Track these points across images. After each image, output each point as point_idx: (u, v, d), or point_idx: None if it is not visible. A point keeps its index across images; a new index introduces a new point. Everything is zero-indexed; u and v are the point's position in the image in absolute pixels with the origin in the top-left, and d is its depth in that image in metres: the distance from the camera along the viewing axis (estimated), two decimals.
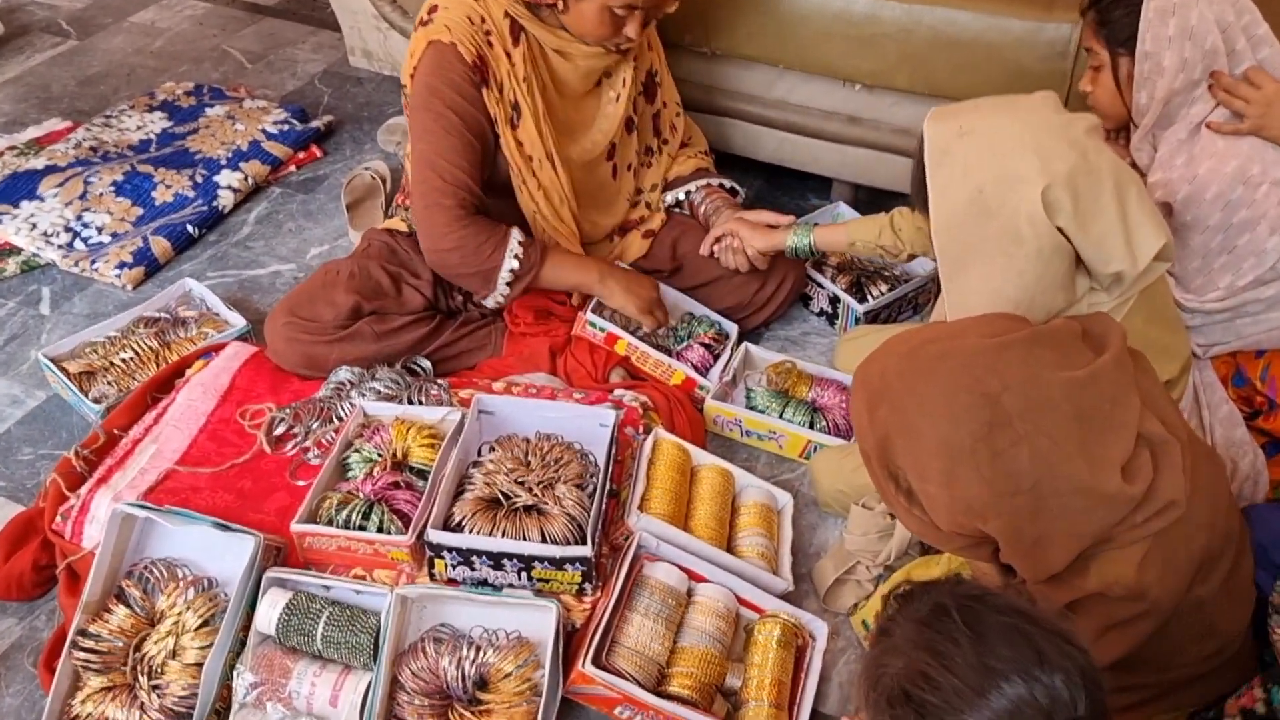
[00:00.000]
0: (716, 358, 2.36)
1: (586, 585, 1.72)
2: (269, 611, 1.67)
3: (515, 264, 2.12)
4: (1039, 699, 0.99)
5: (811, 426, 2.18)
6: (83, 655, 1.66)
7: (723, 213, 2.39)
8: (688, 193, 2.48)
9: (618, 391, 2.17)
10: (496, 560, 1.68)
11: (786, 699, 1.69)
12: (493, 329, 2.35)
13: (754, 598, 1.80)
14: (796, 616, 1.78)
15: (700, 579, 1.79)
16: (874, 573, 1.97)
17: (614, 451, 1.88)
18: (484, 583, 1.73)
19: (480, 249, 2.10)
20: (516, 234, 2.14)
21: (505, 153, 2.12)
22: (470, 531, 1.71)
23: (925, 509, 1.32)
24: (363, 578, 1.79)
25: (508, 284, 2.15)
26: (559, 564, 1.67)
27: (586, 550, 1.67)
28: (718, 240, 2.37)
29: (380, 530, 1.75)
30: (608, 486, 1.81)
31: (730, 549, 1.89)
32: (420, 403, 2.05)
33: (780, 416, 2.20)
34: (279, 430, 2.03)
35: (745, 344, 2.37)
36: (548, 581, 1.71)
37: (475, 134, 2.06)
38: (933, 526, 1.33)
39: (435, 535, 1.68)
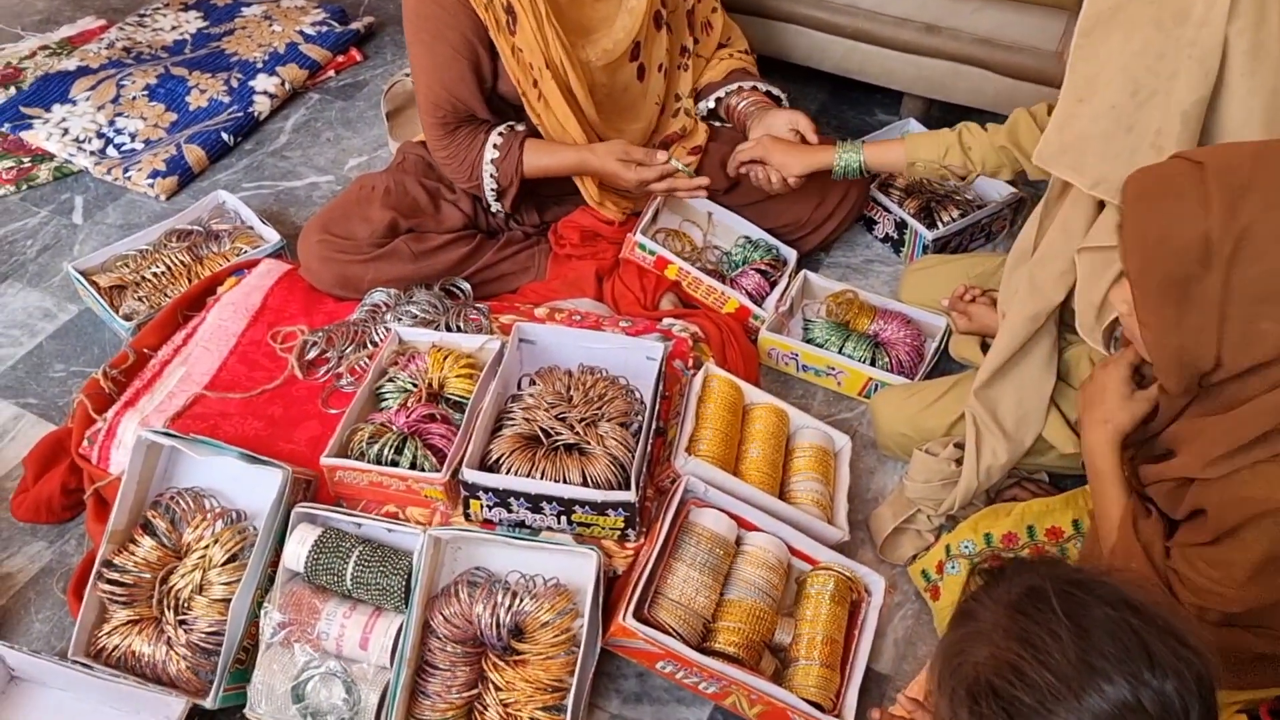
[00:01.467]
0: (773, 285, 2.22)
1: (629, 531, 1.62)
2: (297, 548, 1.59)
3: (494, 153, 2.00)
4: (1146, 705, 0.87)
5: (873, 363, 2.05)
6: (108, 587, 1.61)
7: (762, 121, 2.18)
8: (718, 99, 2.28)
9: (666, 321, 2.04)
10: (535, 503, 1.58)
11: (839, 658, 1.59)
12: (536, 251, 2.22)
13: (807, 548, 1.69)
14: (851, 569, 1.67)
15: (750, 527, 1.69)
16: (935, 523, 1.85)
17: (661, 387, 1.76)
18: (521, 525, 1.64)
19: (462, 151, 2.02)
20: (498, 128, 2.03)
21: (503, 62, 1.96)
22: (507, 471, 1.61)
23: None
24: (395, 515, 1.70)
25: (493, 177, 2.02)
26: (600, 509, 1.57)
27: (630, 495, 1.56)
28: (744, 166, 2.15)
29: (414, 467, 1.66)
30: (654, 425, 1.69)
31: (783, 495, 1.78)
32: (459, 328, 1.94)
33: (839, 351, 2.07)
34: (311, 354, 1.94)
35: (804, 271, 2.22)
36: (588, 526, 1.61)
37: (457, 46, 1.90)
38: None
39: (471, 475, 1.58)
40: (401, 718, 1.51)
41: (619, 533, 1.62)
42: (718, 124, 2.32)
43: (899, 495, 1.88)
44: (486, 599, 1.53)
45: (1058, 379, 1.77)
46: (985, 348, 1.94)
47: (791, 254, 2.26)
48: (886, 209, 2.34)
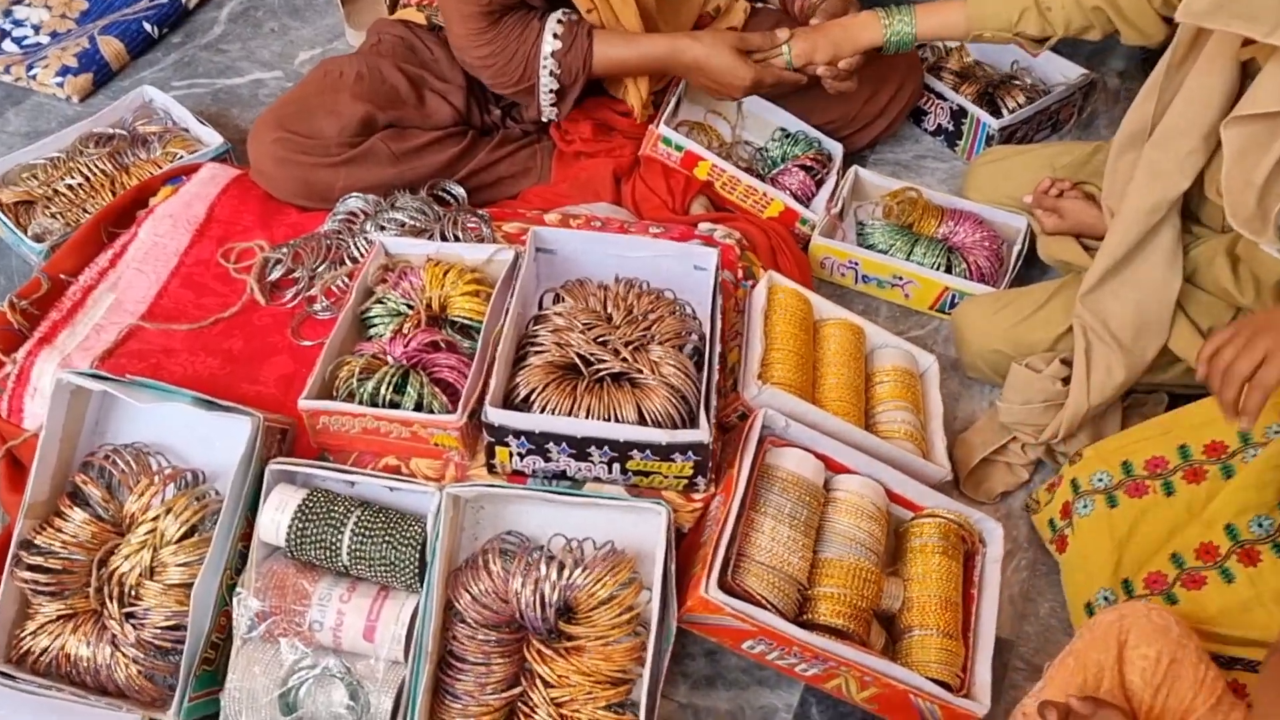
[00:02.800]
0: (819, 185, 1.89)
1: (699, 480, 1.29)
2: (276, 516, 1.24)
3: (556, 44, 1.64)
4: None
5: (949, 270, 1.73)
6: (30, 575, 1.24)
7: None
8: None
9: (704, 226, 1.70)
10: (580, 448, 1.25)
11: (959, 624, 1.29)
12: (538, 149, 1.86)
13: (908, 491, 1.38)
14: (962, 514, 1.37)
15: (840, 469, 1.37)
16: (1031, 455, 1.56)
17: (718, 302, 1.42)
18: (561, 476, 1.31)
19: (511, 44, 1.64)
20: (556, 14, 1.65)
21: None
22: (542, 409, 1.27)
23: None
24: (397, 470, 1.36)
25: (554, 75, 1.65)
26: (666, 452, 1.24)
27: (703, 434, 1.23)
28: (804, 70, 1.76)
29: (419, 408, 1.31)
30: (717, 347, 1.36)
31: (867, 427, 1.46)
32: (456, 238, 1.58)
33: (907, 258, 1.74)
34: (275, 275, 1.56)
35: (855, 168, 1.89)
36: (647, 476, 1.28)
37: None
38: None
39: (498, 415, 1.24)
40: None
41: (685, 482, 1.29)
42: (761, 4, 1.96)
43: (989, 421, 1.59)
44: (526, 571, 1.19)
45: (1184, 280, 1.47)
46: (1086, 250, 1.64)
47: (837, 148, 1.93)
48: (940, 96, 2.02)
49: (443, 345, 1.39)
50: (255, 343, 1.48)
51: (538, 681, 1.19)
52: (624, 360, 1.32)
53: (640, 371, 1.31)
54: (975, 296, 1.66)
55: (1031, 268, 1.78)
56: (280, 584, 1.23)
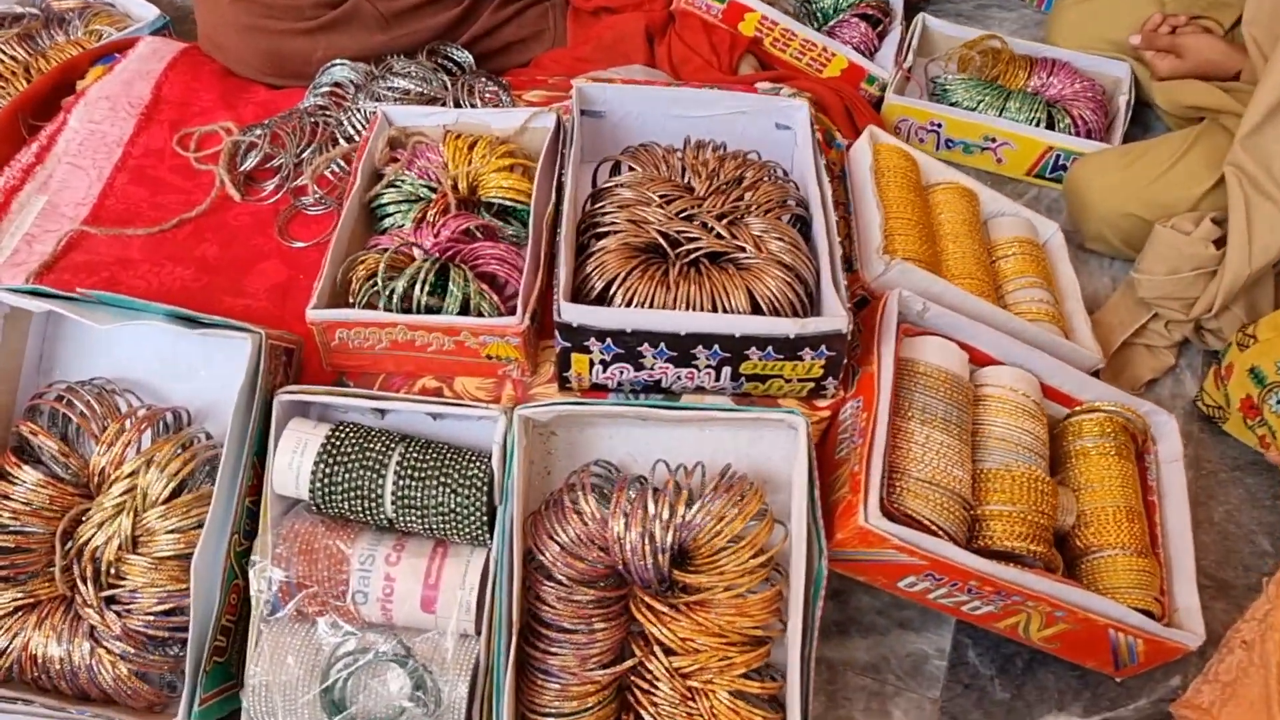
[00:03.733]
0: (881, 38, 1.60)
1: (828, 382, 1.02)
2: (294, 460, 0.95)
3: None
4: None
5: (1050, 126, 1.47)
6: None
7: None
8: None
9: (763, 87, 1.41)
10: (683, 349, 0.97)
11: (1147, 539, 1.06)
12: (549, 7, 1.55)
13: (1064, 383, 1.13)
14: (1128, 407, 1.13)
15: (984, 359, 1.12)
16: (1177, 334, 1.32)
17: (821, 158, 1.15)
18: (655, 388, 1.03)
19: None
20: None
21: None
22: (627, 302, 0.99)
23: None
24: (438, 393, 1.07)
25: None
26: (793, 348, 0.97)
27: (840, 321, 0.97)
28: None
29: (465, 310, 1.02)
30: (830, 214, 1.09)
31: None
32: (474, 106, 1.27)
33: (1000, 115, 1.48)
34: (249, 163, 1.25)
35: (922, 15, 1.61)
36: (764, 381, 1.01)
37: None
38: None
39: (576, 312, 0.96)
40: (514, 716, 0.92)
41: (811, 386, 1.03)
42: None
43: (1124, 298, 1.35)
44: (631, 509, 0.92)
45: None
46: None
47: None
48: None
49: (479, 233, 1.10)
50: (234, 247, 1.17)
51: (654, 648, 0.93)
52: (718, 237, 1.04)
53: (742, 249, 1.04)
54: (1093, 155, 1.41)
55: (1145, 120, 1.53)
56: (308, 547, 0.95)
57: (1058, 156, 1.46)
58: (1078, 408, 1.13)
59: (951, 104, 1.51)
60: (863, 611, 1.11)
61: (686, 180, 1.11)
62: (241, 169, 1.24)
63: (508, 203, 1.13)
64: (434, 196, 1.13)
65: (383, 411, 1.02)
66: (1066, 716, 1.05)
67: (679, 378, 1.01)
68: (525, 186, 1.13)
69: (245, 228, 1.19)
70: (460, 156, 1.15)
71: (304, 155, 1.24)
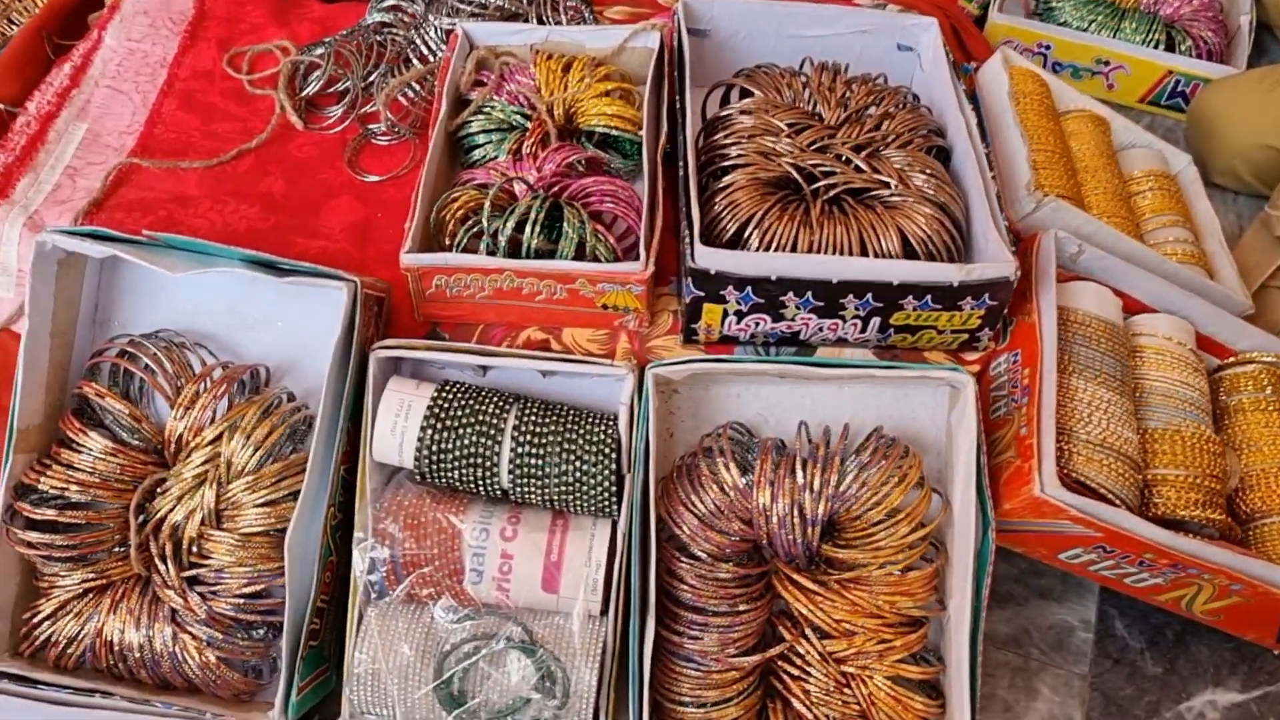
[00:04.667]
0: None
1: (983, 333, 0.92)
2: (397, 424, 0.85)
3: None
4: None
5: (1169, 48, 1.35)
6: (35, 535, 0.84)
7: None
8: None
9: (865, 3, 1.28)
10: (832, 298, 0.87)
11: None
12: None
13: (1220, 331, 1.04)
14: None
15: (1137, 306, 1.02)
16: None
17: (959, 83, 1.03)
18: (791, 340, 0.93)
19: None
20: None
21: None
22: (765, 245, 0.88)
23: None
24: (544, 345, 0.96)
25: None
26: (954, 297, 0.87)
27: (1007, 266, 0.86)
28: None
29: (581, 254, 0.91)
30: (979, 143, 0.98)
31: None
32: (561, 24, 1.14)
33: (1114, 36, 1.36)
34: (312, 87, 1.12)
35: None
36: (914, 333, 0.91)
37: None
38: None
39: (715, 258, 0.85)
40: (651, 707, 0.83)
41: (964, 338, 0.93)
42: None
43: (1258, 237, 1.24)
44: (777, 478, 0.83)
45: None
46: None
47: None
48: None
49: (581, 166, 0.98)
50: (302, 182, 1.05)
51: (803, 629, 0.84)
52: (857, 170, 0.93)
53: (885, 185, 0.93)
54: (1226, 80, 1.29)
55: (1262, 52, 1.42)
56: (416, 520, 0.85)
57: (1177, 82, 1.34)
58: (1231, 359, 1.04)
59: (1059, 24, 1.39)
60: (998, 580, 1.03)
61: (813, 107, 0.99)
62: (302, 94, 1.11)
63: (612, 132, 1.01)
64: (528, 125, 1.01)
65: (484, 368, 0.91)
66: (1224, 691, 0.98)
67: (820, 329, 0.90)
68: (632, 114, 1.01)
69: (311, 160, 1.07)
70: (554, 80, 1.03)
71: (371, 77, 1.11)
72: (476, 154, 1.01)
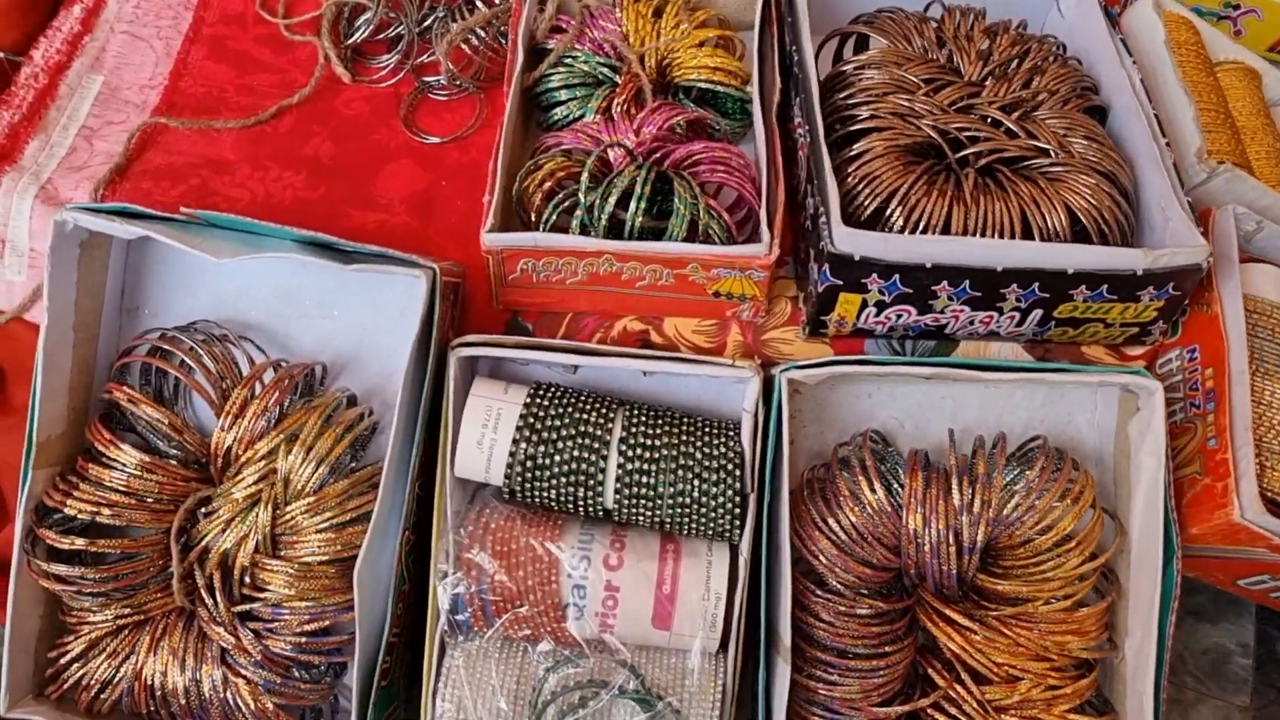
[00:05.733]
0: None
1: (1154, 327, 0.80)
2: (484, 435, 0.72)
3: None
4: None
5: None
6: (60, 569, 0.71)
7: None
8: None
9: None
10: (992, 287, 0.74)
11: None
12: None
13: None
14: None
15: None
16: None
17: (1113, 26, 0.89)
18: (933, 334, 0.80)
19: None
20: None
21: None
22: (911, 224, 0.75)
23: None
24: (643, 338, 0.83)
25: None
26: (1135, 286, 0.74)
27: (1199, 252, 0.73)
28: None
29: (693, 232, 0.78)
30: (1149, 106, 0.84)
31: None
32: None
33: None
34: (361, 33, 0.97)
35: None
36: (1077, 326, 0.78)
37: None
38: None
39: (859, 241, 0.72)
40: None
41: (1133, 333, 0.80)
42: None
43: None
44: (928, 498, 0.70)
45: None
46: None
47: None
48: None
49: (682, 130, 0.85)
50: (352, 144, 0.91)
51: (957, 674, 0.73)
52: (1009, 134, 0.80)
53: (1044, 152, 0.79)
54: None
55: None
56: (507, 548, 0.72)
57: None
58: None
59: None
60: None
61: (949, 60, 0.86)
62: (349, 41, 0.97)
63: (715, 87, 0.87)
64: (616, 79, 0.87)
65: (575, 366, 0.79)
66: None
67: (971, 323, 0.77)
68: (736, 66, 0.87)
69: (362, 118, 0.93)
70: (644, 26, 0.89)
71: (428, 22, 0.96)
72: (557, 113, 0.87)
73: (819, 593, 0.72)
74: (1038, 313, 0.76)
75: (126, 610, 0.74)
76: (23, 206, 0.82)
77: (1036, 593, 0.72)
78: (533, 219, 0.80)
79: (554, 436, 0.72)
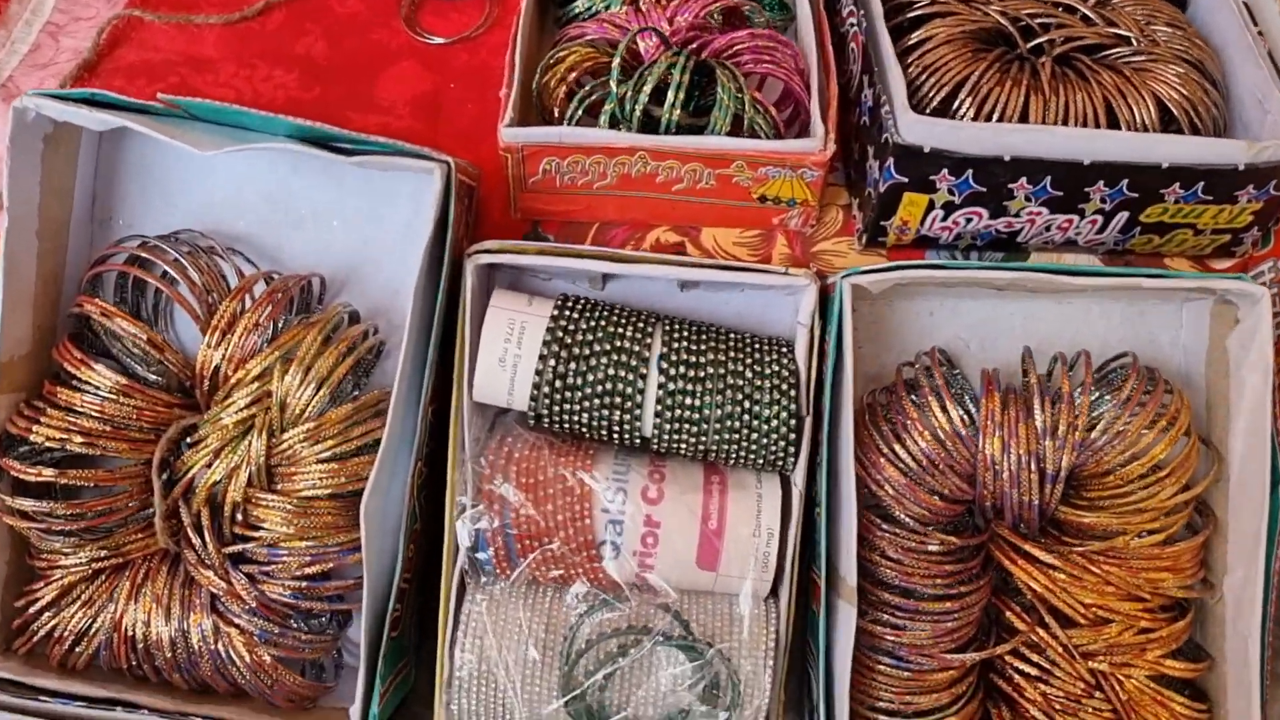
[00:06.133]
0: None
1: (1248, 235, 0.72)
2: (507, 352, 0.64)
3: None
4: None
5: None
6: (29, 504, 0.63)
7: None
8: None
9: None
10: (1074, 186, 0.66)
11: None
12: None
13: None
14: None
15: None
16: None
17: None
18: (1002, 245, 0.72)
19: None
20: None
21: None
22: (983, 115, 0.67)
23: None
24: (679, 249, 0.75)
25: None
26: (1230, 187, 0.66)
27: None
28: None
29: (737, 129, 0.69)
30: None
31: None
32: None
33: None
34: None
35: None
36: (1164, 233, 0.71)
37: None
38: None
39: (926, 130, 0.63)
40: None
41: (1226, 240, 0.72)
42: None
43: None
44: (1005, 419, 0.63)
45: None
46: None
47: None
48: None
49: (717, 17, 0.76)
50: (349, 43, 0.82)
51: (1045, 617, 0.65)
52: (1085, 20, 0.72)
53: (1125, 40, 0.71)
54: None
55: None
56: (534, 479, 0.64)
57: None
58: None
59: None
60: None
61: None
62: None
63: None
64: None
65: (605, 278, 0.70)
66: None
67: (1047, 229, 0.69)
68: None
69: (358, 16, 0.84)
70: None
71: None
72: (578, 4, 0.78)
73: (885, 527, 0.65)
74: (1123, 216, 0.68)
75: (103, 552, 0.65)
76: None
77: (1125, 525, 0.64)
78: (555, 115, 0.71)
79: (586, 353, 0.64)
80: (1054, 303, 0.72)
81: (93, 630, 0.66)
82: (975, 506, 0.66)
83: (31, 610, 0.66)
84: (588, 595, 0.64)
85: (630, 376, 0.64)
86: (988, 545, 0.67)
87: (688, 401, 0.64)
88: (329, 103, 0.78)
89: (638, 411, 0.64)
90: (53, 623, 0.66)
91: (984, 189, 0.66)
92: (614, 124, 0.69)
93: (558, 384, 0.64)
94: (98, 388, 0.64)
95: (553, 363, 0.64)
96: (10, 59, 0.76)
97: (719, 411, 0.64)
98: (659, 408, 0.64)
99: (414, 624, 0.72)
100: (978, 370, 0.68)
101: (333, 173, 0.70)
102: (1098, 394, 0.65)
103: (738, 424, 0.64)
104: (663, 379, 0.64)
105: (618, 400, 0.64)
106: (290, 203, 0.71)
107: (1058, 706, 0.65)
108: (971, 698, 0.66)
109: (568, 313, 0.65)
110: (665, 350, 0.64)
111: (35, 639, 0.66)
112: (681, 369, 0.64)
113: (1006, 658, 0.66)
